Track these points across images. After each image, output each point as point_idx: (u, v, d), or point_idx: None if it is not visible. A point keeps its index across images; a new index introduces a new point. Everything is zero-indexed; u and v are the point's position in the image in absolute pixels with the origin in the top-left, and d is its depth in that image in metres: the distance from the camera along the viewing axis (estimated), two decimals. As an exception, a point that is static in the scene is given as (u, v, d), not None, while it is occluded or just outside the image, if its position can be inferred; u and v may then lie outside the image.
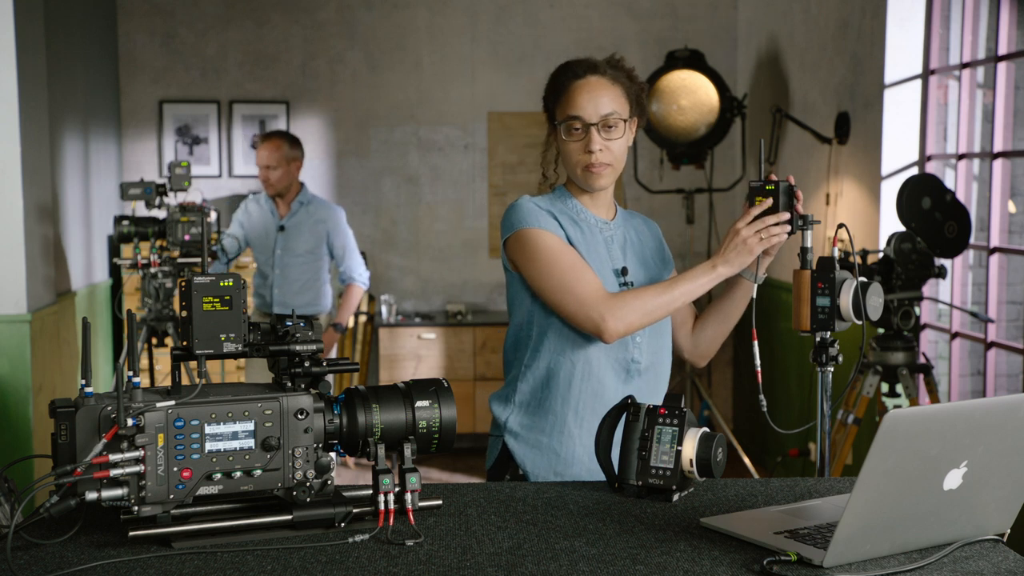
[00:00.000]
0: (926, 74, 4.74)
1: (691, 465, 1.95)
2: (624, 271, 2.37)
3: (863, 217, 5.01)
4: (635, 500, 1.96)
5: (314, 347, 1.76)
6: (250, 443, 1.69)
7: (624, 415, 2.03)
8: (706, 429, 1.99)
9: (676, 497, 1.95)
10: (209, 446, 1.67)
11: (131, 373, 1.65)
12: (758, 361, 2.31)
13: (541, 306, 2.34)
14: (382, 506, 1.76)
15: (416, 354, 6.58)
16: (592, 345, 2.31)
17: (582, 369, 2.32)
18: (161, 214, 5.37)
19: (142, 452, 1.62)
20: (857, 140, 5.11)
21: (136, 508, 1.64)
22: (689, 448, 1.95)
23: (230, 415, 1.68)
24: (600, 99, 2.31)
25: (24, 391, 4.29)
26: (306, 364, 1.75)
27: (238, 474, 1.69)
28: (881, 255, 3.99)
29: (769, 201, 2.21)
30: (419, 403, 1.81)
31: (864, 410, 4.10)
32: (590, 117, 2.30)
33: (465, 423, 6.53)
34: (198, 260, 4.60)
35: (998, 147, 4.30)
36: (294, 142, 5.18)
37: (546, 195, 2.42)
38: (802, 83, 5.80)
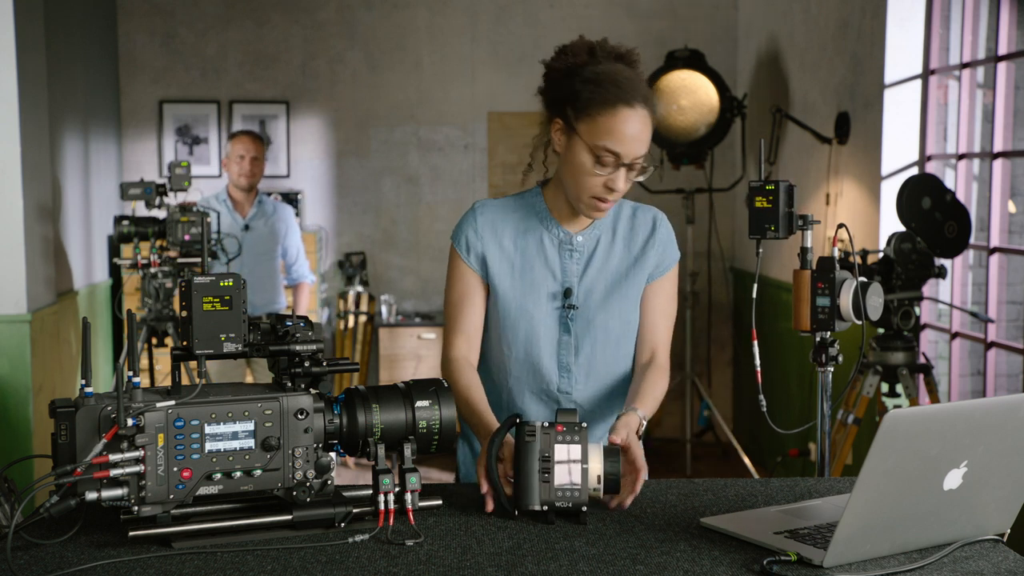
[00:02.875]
0: (926, 74, 4.74)
1: (598, 482, 1.85)
2: (568, 292, 2.20)
3: (863, 217, 5.00)
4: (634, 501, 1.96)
5: (314, 347, 1.76)
6: (250, 443, 1.69)
7: (516, 435, 1.87)
8: (606, 443, 1.89)
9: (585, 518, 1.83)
10: (209, 446, 1.67)
11: (131, 373, 1.65)
12: (758, 361, 2.31)
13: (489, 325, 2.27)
14: (382, 506, 1.76)
15: (416, 354, 6.58)
16: (514, 375, 2.23)
17: (506, 396, 2.26)
18: (161, 214, 5.36)
19: (142, 452, 1.62)
20: (857, 140, 5.11)
21: (136, 508, 1.64)
22: (596, 465, 1.85)
23: (230, 415, 1.68)
24: (641, 137, 2.08)
25: (24, 391, 4.29)
26: (306, 364, 1.75)
27: (238, 474, 1.69)
28: (881, 255, 3.98)
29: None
30: (419, 403, 1.81)
31: (864, 410, 4.10)
32: (627, 156, 2.07)
33: (465, 423, 6.52)
34: (198, 260, 4.60)
35: (998, 147, 4.30)
36: None
37: (520, 194, 2.28)
38: (802, 83, 5.80)
